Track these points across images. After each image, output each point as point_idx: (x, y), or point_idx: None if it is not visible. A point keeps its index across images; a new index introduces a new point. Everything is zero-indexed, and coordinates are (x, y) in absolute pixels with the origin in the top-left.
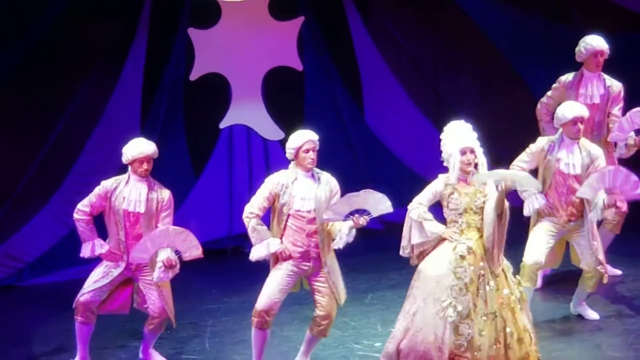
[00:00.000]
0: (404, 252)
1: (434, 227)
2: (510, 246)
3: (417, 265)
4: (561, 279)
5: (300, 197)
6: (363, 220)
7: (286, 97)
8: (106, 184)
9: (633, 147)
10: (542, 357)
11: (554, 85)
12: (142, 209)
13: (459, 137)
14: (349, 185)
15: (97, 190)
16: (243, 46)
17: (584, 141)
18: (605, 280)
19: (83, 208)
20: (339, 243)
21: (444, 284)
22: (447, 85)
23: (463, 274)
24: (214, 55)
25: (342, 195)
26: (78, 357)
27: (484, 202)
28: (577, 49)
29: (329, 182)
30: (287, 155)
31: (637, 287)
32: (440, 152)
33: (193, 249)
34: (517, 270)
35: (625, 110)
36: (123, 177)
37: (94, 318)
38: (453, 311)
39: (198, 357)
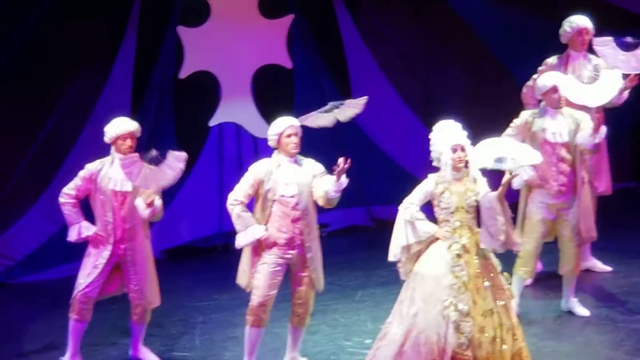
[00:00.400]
0: (394, 257)
1: (427, 227)
2: None
3: (405, 278)
4: (552, 276)
5: (285, 183)
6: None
7: (276, 95)
8: (91, 167)
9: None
10: (533, 353)
11: (539, 68)
12: (129, 187)
13: (448, 135)
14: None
15: (82, 173)
16: (232, 44)
17: (567, 109)
18: (585, 242)
19: (69, 192)
20: (334, 187)
21: (443, 284)
22: (437, 82)
23: (461, 273)
24: (204, 53)
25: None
26: (68, 355)
27: (475, 201)
28: (561, 29)
29: (311, 166)
30: (270, 142)
31: (627, 283)
32: (430, 151)
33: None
34: (505, 268)
35: None
36: (107, 159)
37: (89, 315)
38: (454, 310)
39: (188, 354)
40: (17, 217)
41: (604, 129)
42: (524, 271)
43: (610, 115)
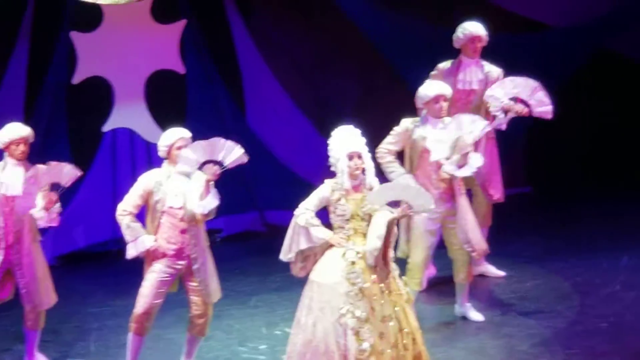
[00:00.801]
0: (285, 256)
1: (320, 232)
2: None
3: (300, 276)
4: (446, 281)
5: (174, 194)
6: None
7: (168, 100)
8: None
9: (512, 112)
10: None
11: (432, 73)
12: (18, 191)
13: (346, 142)
14: (231, 187)
15: None
16: (125, 49)
17: (448, 119)
18: (478, 257)
19: None
20: (201, 207)
21: (339, 291)
22: (330, 88)
23: (356, 280)
24: (97, 58)
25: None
26: None
27: (371, 209)
28: (454, 35)
29: (199, 178)
30: (160, 153)
31: (520, 288)
32: (323, 155)
33: (71, 172)
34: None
35: None
36: (0, 164)
37: None
38: (352, 317)
39: None
40: None
41: (477, 160)
42: (413, 282)
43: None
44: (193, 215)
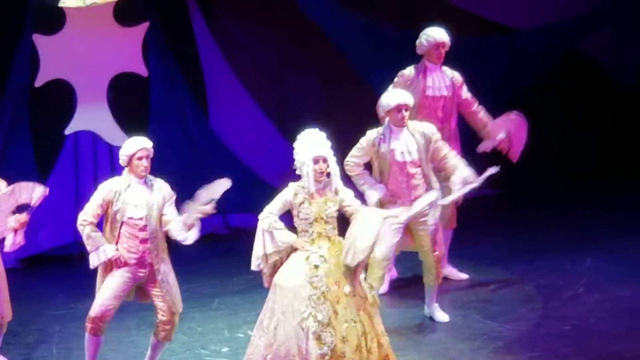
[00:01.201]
0: (255, 265)
1: (284, 236)
2: None
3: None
4: (407, 284)
5: (134, 204)
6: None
7: (131, 103)
8: None
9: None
10: None
11: (395, 80)
12: None
13: (311, 145)
14: (194, 190)
15: None
16: (88, 52)
17: (412, 124)
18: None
19: None
20: (184, 238)
21: (302, 295)
22: (294, 90)
23: (319, 283)
24: (59, 61)
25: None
26: None
27: (335, 211)
28: (418, 41)
29: (161, 189)
30: (120, 162)
31: (483, 291)
32: (287, 158)
33: (36, 190)
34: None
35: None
36: None
37: None
38: (313, 321)
39: None
40: None
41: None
42: (373, 278)
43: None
44: (155, 227)
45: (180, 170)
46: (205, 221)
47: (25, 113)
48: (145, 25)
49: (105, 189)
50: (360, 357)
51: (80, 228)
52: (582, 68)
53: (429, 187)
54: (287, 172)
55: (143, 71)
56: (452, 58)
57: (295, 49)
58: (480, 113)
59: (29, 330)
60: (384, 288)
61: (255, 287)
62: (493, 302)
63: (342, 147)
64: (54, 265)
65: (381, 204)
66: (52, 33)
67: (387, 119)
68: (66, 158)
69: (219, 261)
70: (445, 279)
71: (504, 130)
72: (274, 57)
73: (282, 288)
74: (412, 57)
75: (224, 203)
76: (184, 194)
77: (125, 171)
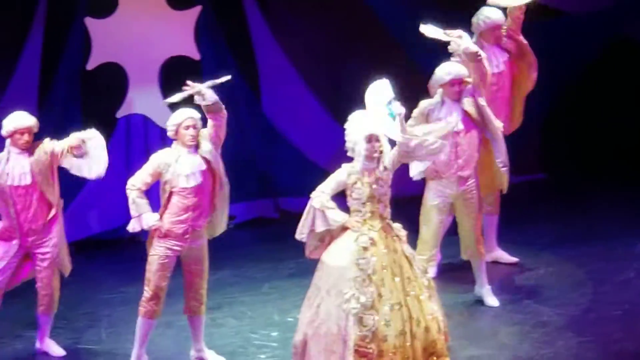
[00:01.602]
0: (300, 235)
1: (336, 215)
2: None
3: (312, 257)
4: (457, 268)
5: (185, 175)
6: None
7: (183, 86)
8: None
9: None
10: None
11: (451, 59)
12: (28, 181)
13: (363, 125)
14: (244, 173)
15: None
16: (140, 35)
17: (466, 101)
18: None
19: None
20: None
21: (347, 276)
22: (345, 74)
23: (365, 266)
24: (111, 44)
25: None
26: None
27: (388, 190)
28: (474, 20)
29: (202, 149)
30: (169, 133)
31: (533, 275)
32: (344, 141)
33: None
34: None
35: None
36: (2, 155)
37: None
38: (356, 303)
39: (94, 347)
40: None
41: None
42: (421, 259)
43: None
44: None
45: (231, 153)
46: (256, 205)
47: (78, 96)
48: (197, 9)
49: (155, 160)
50: (403, 341)
51: (127, 192)
52: (633, 53)
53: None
54: (338, 155)
55: (195, 54)
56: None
57: (347, 32)
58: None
59: (78, 315)
60: (433, 272)
61: (305, 271)
62: (543, 286)
63: None
64: (104, 249)
65: (425, 179)
66: (105, 16)
67: (439, 90)
68: (118, 141)
69: (269, 245)
70: (495, 263)
71: None
72: (326, 40)
73: (328, 266)
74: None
75: (275, 187)
76: (235, 177)
77: (174, 143)
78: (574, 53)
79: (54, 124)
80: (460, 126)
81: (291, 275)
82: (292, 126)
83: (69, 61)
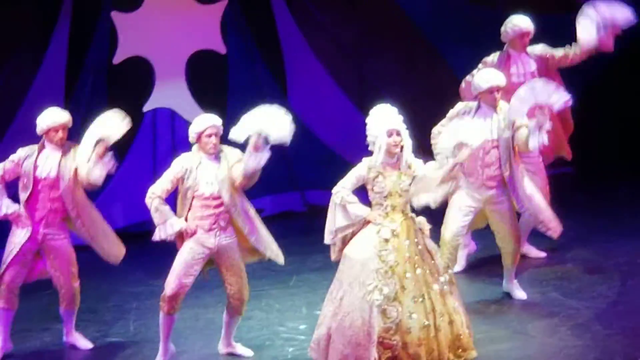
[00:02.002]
0: (329, 239)
1: (358, 209)
2: None
3: (336, 259)
4: (486, 261)
5: (205, 182)
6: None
7: (209, 81)
8: (21, 152)
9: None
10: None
11: (479, 66)
12: (52, 174)
13: (385, 119)
14: (272, 167)
15: (12, 156)
16: (166, 29)
17: (502, 104)
18: (554, 235)
19: None
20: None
21: (369, 268)
22: (371, 69)
23: (388, 257)
24: (138, 38)
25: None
26: None
27: (409, 185)
28: (502, 29)
29: (226, 157)
30: (190, 139)
31: (561, 269)
32: (366, 135)
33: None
34: None
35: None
36: (38, 146)
37: (16, 301)
38: (379, 294)
39: (122, 340)
40: None
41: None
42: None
43: None
44: (229, 197)
45: None
46: (284, 199)
47: (104, 90)
48: (223, 3)
49: (177, 166)
50: (427, 333)
51: (148, 202)
52: None
53: (501, 170)
54: (366, 149)
55: (221, 48)
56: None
57: (374, 27)
58: (572, 56)
59: (106, 307)
60: (462, 265)
61: (333, 264)
62: (571, 279)
63: (420, 124)
64: (131, 242)
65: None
66: (131, 10)
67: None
68: (144, 135)
69: (297, 239)
70: (524, 256)
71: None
72: (352, 34)
73: (351, 259)
74: (490, 35)
75: (302, 180)
76: (263, 171)
77: (195, 147)
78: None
79: (81, 116)
80: (494, 135)
81: (319, 269)
82: (319, 120)
83: (96, 55)
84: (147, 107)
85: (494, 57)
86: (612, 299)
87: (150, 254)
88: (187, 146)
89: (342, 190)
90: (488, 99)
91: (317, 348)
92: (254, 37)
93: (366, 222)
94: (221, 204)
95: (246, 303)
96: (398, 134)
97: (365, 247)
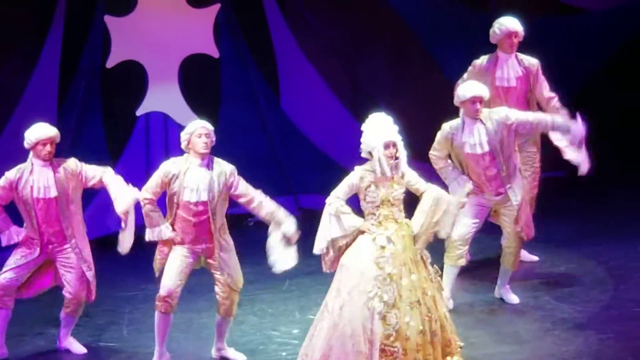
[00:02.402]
0: (319, 249)
1: (352, 220)
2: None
3: (330, 270)
4: (478, 265)
5: (190, 189)
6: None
7: (202, 84)
8: (9, 175)
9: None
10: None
11: (469, 69)
12: (52, 194)
13: (381, 130)
14: (265, 172)
15: (1, 182)
16: (159, 33)
17: (485, 113)
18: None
19: None
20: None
21: (368, 276)
22: (364, 73)
23: (385, 264)
24: (131, 42)
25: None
26: None
27: (402, 193)
28: (491, 30)
29: (223, 171)
30: (181, 144)
31: (553, 272)
32: (359, 141)
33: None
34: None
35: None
36: (25, 166)
37: (11, 304)
38: (379, 301)
39: (115, 344)
40: None
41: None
42: (449, 258)
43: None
44: (214, 209)
45: (250, 151)
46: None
47: (97, 94)
48: (216, 7)
49: (164, 170)
50: (424, 339)
51: (141, 204)
52: None
53: (511, 177)
54: (358, 153)
55: (214, 52)
56: (524, 41)
57: (366, 30)
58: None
59: (100, 312)
60: (461, 262)
61: None
62: (564, 283)
63: (413, 129)
64: None
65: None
66: (124, 14)
67: (461, 110)
68: (137, 139)
69: None
70: None
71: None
72: (345, 38)
73: (349, 268)
74: (483, 39)
75: (295, 184)
76: (254, 176)
77: (186, 154)
78: (593, 50)
79: (74, 120)
80: (486, 148)
81: (312, 273)
82: (311, 124)
83: (89, 59)
84: (140, 111)
85: (483, 59)
86: (604, 303)
87: (143, 258)
88: (179, 149)
89: (336, 200)
90: (469, 109)
91: None
92: (246, 40)
93: (360, 232)
94: (205, 211)
95: (237, 306)
96: (394, 145)
97: (362, 256)
